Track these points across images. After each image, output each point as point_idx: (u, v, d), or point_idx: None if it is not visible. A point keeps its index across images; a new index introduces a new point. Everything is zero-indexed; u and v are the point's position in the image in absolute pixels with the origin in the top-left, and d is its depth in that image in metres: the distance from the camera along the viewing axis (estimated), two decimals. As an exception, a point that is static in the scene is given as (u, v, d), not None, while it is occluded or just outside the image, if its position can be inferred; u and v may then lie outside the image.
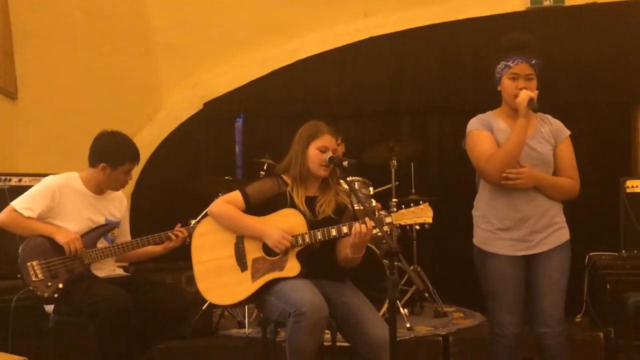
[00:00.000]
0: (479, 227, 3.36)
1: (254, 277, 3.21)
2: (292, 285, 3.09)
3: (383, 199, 5.07)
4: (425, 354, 4.30)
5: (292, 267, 3.18)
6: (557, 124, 3.36)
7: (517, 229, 3.23)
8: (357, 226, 3.08)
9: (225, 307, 4.49)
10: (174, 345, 4.22)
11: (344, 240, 3.20)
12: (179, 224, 3.80)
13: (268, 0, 6.06)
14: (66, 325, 3.72)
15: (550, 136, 3.29)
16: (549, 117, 3.38)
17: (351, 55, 6.11)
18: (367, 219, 3.11)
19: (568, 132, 3.34)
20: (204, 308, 4.43)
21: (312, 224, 3.21)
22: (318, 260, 3.22)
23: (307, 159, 3.29)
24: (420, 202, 3.23)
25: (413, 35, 6.04)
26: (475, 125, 3.33)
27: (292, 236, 3.16)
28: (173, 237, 3.73)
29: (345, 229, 3.13)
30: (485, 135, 3.27)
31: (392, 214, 3.21)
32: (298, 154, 3.31)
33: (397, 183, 5.02)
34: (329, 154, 3.28)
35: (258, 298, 3.24)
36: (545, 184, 3.22)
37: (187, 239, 4.10)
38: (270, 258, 3.22)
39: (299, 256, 3.18)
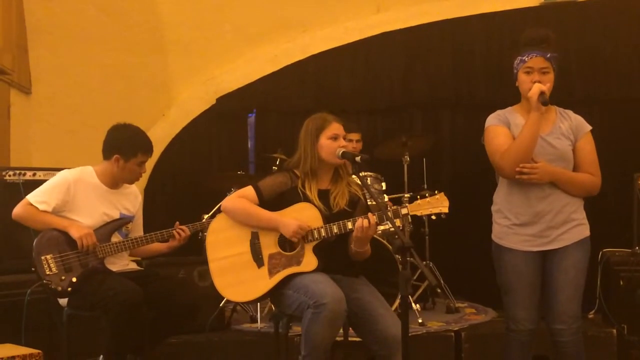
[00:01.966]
0: (496, 222, 3.36)
1: (271, 273, 3.20)
2: (312, 278, 3.09)
3: (395, 194, 5.06)
4: (437, 349, 4.29)
5: (309, 261, 3.17)
6: (578, 119, 3.33)
7: (533, 225, 3.22)
8: (359, 221, 3.09)
9: (242, 304, 4.49)
10: (186, 340, 4.23)
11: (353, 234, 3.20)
12: (177, 223, 3.80)
13: (280, -4, 6.07)
14: (79, 319, 3.73)
15: (569, 132, 3.26)
16: (570, 112, 3.36)
17: (363, 51, 6.11)
18: (369, 214, 3.12)
19: (589, 128, 3.31)
20: (221, 305, 4.44)
21: (327, 218, 3.20)
22: (334, 255, 3.22)
23: (320, 150, 3.27)
24: (436, 191, 3.22)
25: (425, 31, 6.03)
26: (492, 121, 3.33)
27: (309, 230, 3.16)
28: (176, 235, 3.75)
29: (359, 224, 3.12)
30: (502, 130, 3.26)
31: (407, 205, 3.20)
32: (308, 148, 3.30)
33: (409, 194, 4.97)
34: (341, 141, 3.28)
35: (274, 292, 3.23)
36: (561, 179, 3.20)
37: (200, 234, 4.12)
38: (286, 253, 3.22)
39: (316, 250, 3.18)
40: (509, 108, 3.37)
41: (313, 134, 3.30)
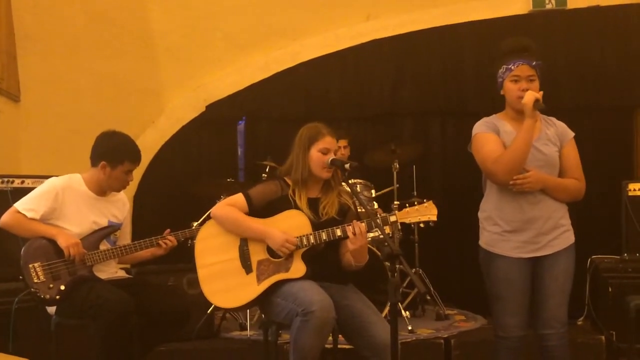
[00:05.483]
0: (485, 229, 3.36)
1: (259, 279, 3.20)
2: (300, 286, 3.09)
3: (385, 201, 5.07)
4: (427, 356, 4.30)
5: (298, 268, 3.17)
6: (562, 125, 3.37)
7: (524, 231, 3.23)
8: (349, 228, 3.09)
9: (230, 310, 4.48)
10: (176, 348, 4.22)
11: (346, 243, 3.20)
12: (168, 230, 3.79)
13: (270, 3, 6.07)
14: (68, 327, 3.72)
15: (555, 138, 3.29)
16: (554, 119, 3.39)
17: (353, 58, 6.11)
18: (355, 221, 3.12)
19: (572, 134, 3.34)
20: (209, 312, 4.43)
21: (316, 226, 3.20)
22: (322, 262, 3.22)
23: (309, 162, 3.28)
24: (425, 200, 3.23)
25: (415, 38, 6.04)
26: (481, 128, 3.33)
27: (297, 237, 3.16)
28: (162, 245, 3.73)
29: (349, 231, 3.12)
30: (492, 137, 3.27)
31: (396, 213, 3.20)
32: (299, 157, 3.30)
33: (397, 185, 5.02)
34: (331, 156, 3.28)
35: (263, 300, 3.23)
36: (551, 186, 3.23)
37: (190, 242, 4.11)
38: (275, 260, 3.22)
39: (304, 257, 3.18)
40: (494, 116, 3.38)
41: (305, 144, 3.31)
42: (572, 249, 3.29)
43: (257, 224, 3.24)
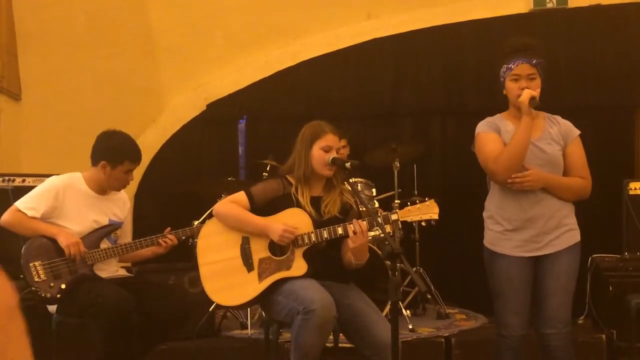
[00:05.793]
0: (488, 228, 3.36)
1: (261, 277, 3.20)
2: (301, 284, 3.09)
3: (386, 201, 5.06)
4: (428, 355, 4.30)
5: (299, 266, 3.17)
6: (566, 124, 3.36)
7: (526, 230, 3.22)
8: (349, 227, 3.09)
9: (231, 308, 4.48)
10: (176, 346, 4.22)
11: (347, 241, 3.20)
12: (169, 228, 3.79)
13: (271, 2, 6.07)
14: (69, 326, 3.72)
15: (559, 137, 3.29)
16: (558, 117, 3.39)
17: (354, 57, 6.11)
18: (355, 220, 3.12)
19: (578, 132, 3.33)
20: (210, 310, 4.43)
21: (318, 224, 3.20)
22: (324, 261, 3.23)
23: (311, 159, 3.28)
24: (426, 198, 3.23)
25: (416, 37, 6.04)
26: (482, 128, 3.34)
27: (299, 235, 3.16)
28: (163, 243, 3.73)
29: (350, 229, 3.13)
30: (493, 137, 3.28)
31: (397, 211, 3.20)
32: (302, 155, 3.30)
33: (400, 190, 5.00)
34: (333, 153, 3.28)
35: (264, 298, 3.23)
36: (553, 185, 3.22)
37: (191, 240, 4.11)
38: (276, 258, 3.22)
39: (306, 255, 3.18)
40: (498, 115, 3.38)
41: (307, 142, 3.31)
42: (576, 248, 3.27)
43: (259, 219, 3.24)
